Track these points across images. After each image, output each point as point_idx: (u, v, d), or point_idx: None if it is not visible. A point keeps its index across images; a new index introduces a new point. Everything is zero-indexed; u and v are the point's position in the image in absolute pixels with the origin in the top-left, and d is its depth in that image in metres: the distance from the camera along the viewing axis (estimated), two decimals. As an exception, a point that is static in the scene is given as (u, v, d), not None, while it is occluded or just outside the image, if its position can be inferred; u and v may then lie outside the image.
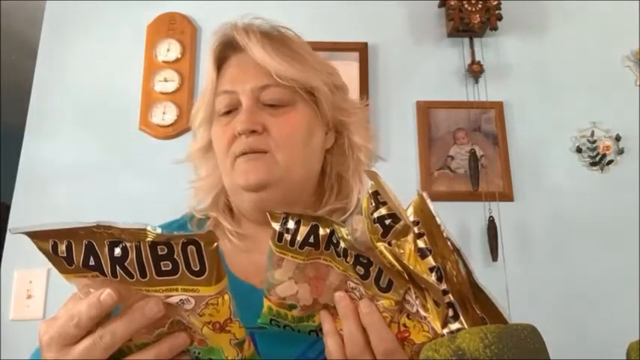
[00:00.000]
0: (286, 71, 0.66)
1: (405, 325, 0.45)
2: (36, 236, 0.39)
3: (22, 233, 0.39)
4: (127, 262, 0.39)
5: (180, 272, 0.39)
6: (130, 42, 1.71)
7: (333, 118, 0.72)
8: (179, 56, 1.68)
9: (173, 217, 0.78)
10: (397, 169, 1.60)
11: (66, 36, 1.71)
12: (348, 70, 1.65)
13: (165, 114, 1.63)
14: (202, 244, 0.38)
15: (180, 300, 0.40)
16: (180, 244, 0.38)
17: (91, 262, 0.39)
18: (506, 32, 1.73)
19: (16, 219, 1.54)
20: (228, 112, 0.68)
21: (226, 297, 0.42)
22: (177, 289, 0.39)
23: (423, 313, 0.43)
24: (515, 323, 0.36)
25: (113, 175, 1.59)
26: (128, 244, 0.38)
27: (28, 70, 1.71)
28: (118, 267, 0.39)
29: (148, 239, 0.38)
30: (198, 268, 0.39)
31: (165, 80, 1.66)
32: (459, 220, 1.57)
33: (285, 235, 0.48)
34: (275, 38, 0.69)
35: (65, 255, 0.39)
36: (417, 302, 0.43)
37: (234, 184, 0.67)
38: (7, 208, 1.57)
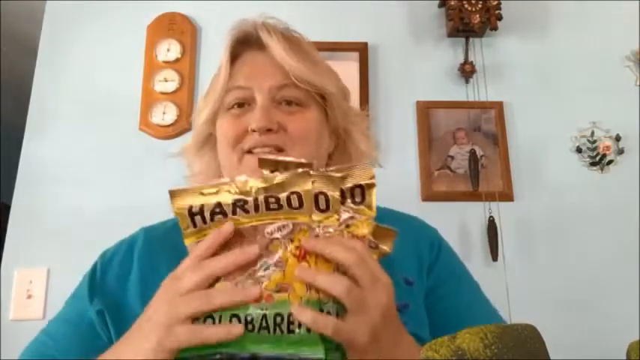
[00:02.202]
0: (305, 74, 0.67)
1: (348, 228, 0.50)
2: (178, 195, 0.48)
3: (173, 191, 0.48)
4: (247, 206, 0.49)
5: (283, 208, 0.48)
6: (130, 42, 1.71)
7: (340, 124, 0.73)
8: (179, 56, 1.68)
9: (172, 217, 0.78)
10: (397, 169, 1.60)
11: (66, 36, 1.71)
12: (348, 70, 1.65)
13: (165, 114, 1.63)
14: (302, 192, 0.48)
15: (280, 225, 0.48)
16: (285, 196, 0.48)
17: (218, 210, 0.48)
18: (506, 32, 1.73)
19: (16, 219, 1.54)
20: (238, 106, 0.68)
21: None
22: (279, 218, 0.48)
23: (355, 213, 0.50)
24: (515, 323, 0.36)
25: (113, 174, 1.59)
26: (248, 198, 0.48)
27: (28, 70, 1.71)
28: (238, 209, 0.49)
29: (260, 197, 0.48)
30: (297, 205, 0.48)
31: (166, 80, 1.66)
32: (459, 220, 1.57)
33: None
34: (293, 40, 0.70)
35: (197, 212, 0.48)
36: (348, 208, 0.50)
37: None
38: (7, 208, 1.57)
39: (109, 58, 1.70)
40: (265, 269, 0.47)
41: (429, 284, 0.70)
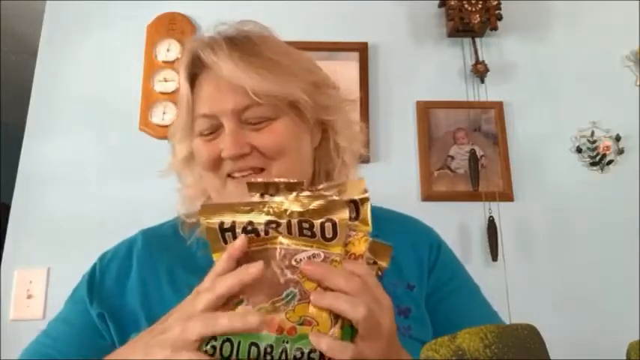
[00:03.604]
0: (263, 88, 0.63)
1: (345, 247, 0.49)
2: (209, 210, 0.47)
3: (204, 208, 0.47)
4: (280, 228, 0.47)
5: (317, 237, 0.47)
6: (130, 42, 1.71)
7: (317, 119, 0.71)
8: (179, 56, 1.68)
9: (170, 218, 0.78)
10: (397, 169, 1.61)
11: (66, 36, 1.71)
12: (348, 70, 1.65)
13: (165, 114, 1.63)
14: (338, 221, 0.46)
15: (311, 255, 0.47)
16: (320, 222, 0.46)
17: (250, 228, 0.47)
18: (506, 32, 1.73)
19: (16, 219, 1.54)
20: (208, 132, 0.67)
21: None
22: (312, 246, 0.47)
23: (351, 230, 0.49)
24: (515, 323, 0.36)
25: (113, 174, 1.59)
26: (282, 221, 0.47)
27: (28, 70, 1.71)
28: (270, 230, 0.47)
29: (294, 220, 0.47)
30: (331, 235, 0.47)
31: (165, 80, 1.66)
32: (459, 220, 1.57)
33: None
34: (245, 48, 0.66)
35: (228, 228, 0.47)
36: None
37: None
38: (7, 208, 1.57)
39: (109, 58, 1.70)
40: (290, 299, 0.45)
41: (429, 286, 0.70)
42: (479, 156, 1.61)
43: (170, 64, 1.67)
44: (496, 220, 1.54)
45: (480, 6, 1.66)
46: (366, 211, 0.49)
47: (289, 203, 0.47)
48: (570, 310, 1.49)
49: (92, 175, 1.59)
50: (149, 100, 1.65)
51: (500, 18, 1.66)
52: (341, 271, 0.46)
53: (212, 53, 0.65)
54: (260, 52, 0.66)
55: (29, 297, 1.46)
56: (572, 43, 1.75)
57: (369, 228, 0.49)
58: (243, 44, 0.67)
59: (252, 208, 0.47)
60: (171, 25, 1.72)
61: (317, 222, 0.46)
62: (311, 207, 0.46)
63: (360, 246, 0.49)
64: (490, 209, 1.56)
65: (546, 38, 1.76)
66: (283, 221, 0.46)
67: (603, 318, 1.48)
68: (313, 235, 0.47)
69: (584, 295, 1.52)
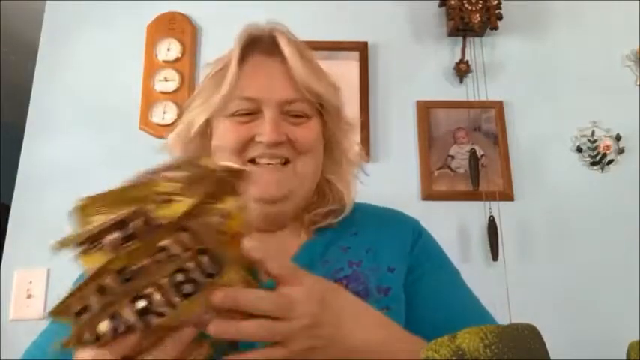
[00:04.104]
0: (315, 87, 0.67)
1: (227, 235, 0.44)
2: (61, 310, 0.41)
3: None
4: (156, 305, 0.40)
5: (200, 286, 0.41)
6: (130, 42, 1.71)
7: (333, 132, 0.74)
8: (179, 56, 1.68)
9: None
10: (397, 169, 1.60)
11: (66, 36, 1.71)
12: (348, 70, 1.65)
13: (165, 113, 1.63)
14: (218, 253, 0.41)
15: (205, 317, 0.42)
16: (195, 262, 0.41)
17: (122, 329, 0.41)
18: (507, 32, 1.73)
19: (16, 219, 1.54)
20: (244, 114, 0.68)
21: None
22: (200, 305, 0.42)
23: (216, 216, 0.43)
24: (515, 323, 0.36)
25: (113, 174, 1.58)
26: (156, 297, 0.41)
27: (28, 70, 1.71)
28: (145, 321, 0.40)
29: (166, 287, 0.40)
30: (215, 272, 0.41)
31: (166, 80, 1.66)
32: (459, 220, 1.57)
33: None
34: (300, 48, 0.70)
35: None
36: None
37: None
38: (7, 208, 1.57)
39: (109, 58, 1.70)
40: None
41: (408, 265, 0.71)
42: (479, 156, 1.61)
43: (170, 63, 1.68)
44: (496, 220, 1.54)
45: (480, 5, 1.66)
46: (233, 184, 0.44)
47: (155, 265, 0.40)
48: (570, 310, 1.49)
49: (92, 175, 1.58)
50: (149, 99, 1.65)
51: (500, 18, 1.66)
52: (251, 294, 0.43)
53: (284, 39, 0.68)
54: (310, 56, 0.71)
55: (29, 297, 1.46)
56: (572, 43, 1.75)
57: (237, 202, 0.43)
58: (299, 45, 0.70)
59: (113, 297, 0.40)
60: (171, 25, 1.72)
61: (191, 265, 0.40)
62: (176, 253, 0.40)
63: (238, 221, 0.43)
64: (490, 209, 1.56)
65: (546, 38, 1.76)
66: (157, 297, 0.40)
67: (603, 318, 1.48)
68: (196, 289, 0.40)
69: (584, 295, 1.52)
